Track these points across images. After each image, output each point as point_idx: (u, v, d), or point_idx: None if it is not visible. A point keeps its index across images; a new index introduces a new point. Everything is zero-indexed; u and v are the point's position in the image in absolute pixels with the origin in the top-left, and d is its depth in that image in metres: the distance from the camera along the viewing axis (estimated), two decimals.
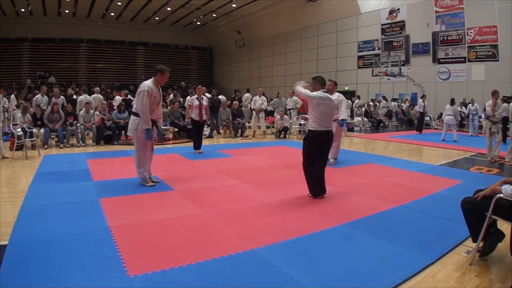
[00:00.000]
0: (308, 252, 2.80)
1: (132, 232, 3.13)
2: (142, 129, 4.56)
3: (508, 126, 9.94)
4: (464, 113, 13.55)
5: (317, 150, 4.24)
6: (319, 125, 4.17)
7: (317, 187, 4.25)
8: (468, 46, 14.63)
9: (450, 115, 10.55)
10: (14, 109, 11.42)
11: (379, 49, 18.08)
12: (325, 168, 4.39)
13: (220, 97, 12.59)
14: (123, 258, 2.58)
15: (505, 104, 7.62)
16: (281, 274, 2.43)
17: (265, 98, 11.56)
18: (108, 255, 2.64)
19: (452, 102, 10.70)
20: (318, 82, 4.41)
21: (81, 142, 8.70)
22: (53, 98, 9.70)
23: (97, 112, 9.33)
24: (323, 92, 4.27)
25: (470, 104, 12.52)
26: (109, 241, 2.91)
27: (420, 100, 13.02)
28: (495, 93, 7.33)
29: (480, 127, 12.81)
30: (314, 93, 4.24)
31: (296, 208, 3.91)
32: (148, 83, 4.61)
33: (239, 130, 11.01)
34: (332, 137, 4.40)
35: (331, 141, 4.42)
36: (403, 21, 16.91)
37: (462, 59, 14.87)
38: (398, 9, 17.03)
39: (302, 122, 11.11)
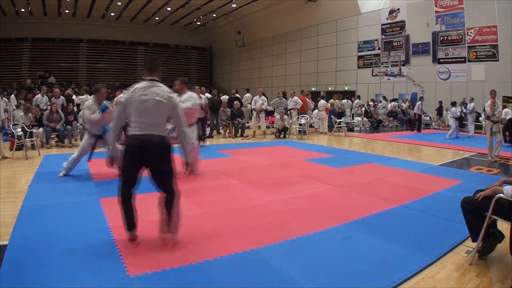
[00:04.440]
0: (307, 252, 2.80)
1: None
2: None
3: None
4: (464, 113, 13.56)
5: (129, 164, 2.83)
6: (133, 128, 2.80)
7: (129, 217, 2.90)
8: (468, 46, 14.62)
9: (451, 117, 11.65)
10: (14, 109, 11.43)
11: (379, 49, 18.07)
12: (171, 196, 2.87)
13: (223, 97, 12.61)
14: (123, 258, 2.58)
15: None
16: (280, 274, 2.43)
17: (265, 98, 11.56)
18: (108, 255, 2.65)
19: (453, 104, 11.79)
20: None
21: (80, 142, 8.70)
22: (53, 98, 9.70)
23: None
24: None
25: (468, 104, 12.57)
26: (109, 241, 2.91)
27: (418, 103, 13.21)
28: (492, 93, 7.34)
29: (479, 127, 12.88)
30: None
31: (296, 208, 3.91)
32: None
33: (239, 130, 11.01)
34: (158, 148, 2.76)
35: (164, 154, 2.79)
36: (403, 21, 16.91)
37: (462, 59, 14.86)
38: (398, 9, 17.02)
39: (302, 122, 11.13)
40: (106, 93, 5.63)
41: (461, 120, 12.01)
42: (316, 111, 12.94)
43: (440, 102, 15.10)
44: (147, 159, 2.77)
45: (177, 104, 2.88)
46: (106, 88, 5.76)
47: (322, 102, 12.75)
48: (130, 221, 2.88)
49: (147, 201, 4.07)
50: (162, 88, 2.82)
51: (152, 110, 2.73)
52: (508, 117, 9.46)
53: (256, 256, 2.69)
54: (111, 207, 3.80)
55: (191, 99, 5.18)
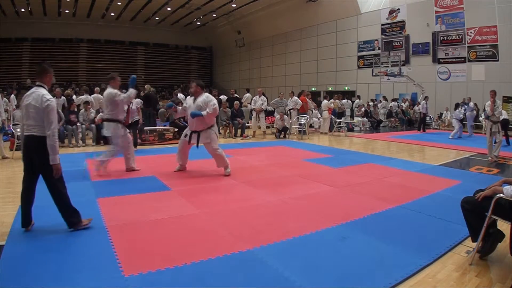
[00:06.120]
0: (304, 252, 2.77)
1: (129, 232, 3.11)
2: None
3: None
4: (464, 113, 13.57)
5: (23, 159, 3.22)
6: (22, 129, 3.28)
7: (26, 214, 3.17)
8: (468, 46, 14.59)
9: (454, 118, 11.75)
10: (14, 109, 11.43)
11: (379, 49, 18.05)
12: (62, 196, 3.24)
13: (221, 97, 12.58)
14: (119, 258, 2.56)
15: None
16: (277, 274, 2.41)
17: (265, 98, 11.53)
18: (104, 255, 2.63)
19: (456, 106, 11.98)
20: None
21: (80, 142, 8.68)
22: (54, 98, 9.67)
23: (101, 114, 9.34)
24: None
25: (468, 104, 12.58)
26: (105, 241, 2.89)
27: (423, 102, 13.32)
28: (492, 93, 7.32)
29: (479, 127, 12.85)
30: None
31: (293, 208, 3.89)
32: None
33: (239, 130, 10.99)
34: (35, 147, 3.10)
35: (43, 152, 3.08)
36: (403, 21, 16.88)
37: (462, 59, 14.84)
38: (398, 9, 17.00)
39: (302, 122, 11.11)
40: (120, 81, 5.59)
41: (461, 120, 12.05)
42: (315, 111, 12.96)
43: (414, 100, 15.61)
44: (32, 155, 3.14)
45: (50, 109, 3.13)
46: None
47: (324, 102, 12.80)
48: (26, 218, 3.16)
49: (145, 201, 4.06)
50: (39, 93, 3.17)
51: (30, 113, 3.12)
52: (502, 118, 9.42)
53: (253, 257, 2.66)
54: (108, 207, 3.79)
55: (210, 102, 5.45)
